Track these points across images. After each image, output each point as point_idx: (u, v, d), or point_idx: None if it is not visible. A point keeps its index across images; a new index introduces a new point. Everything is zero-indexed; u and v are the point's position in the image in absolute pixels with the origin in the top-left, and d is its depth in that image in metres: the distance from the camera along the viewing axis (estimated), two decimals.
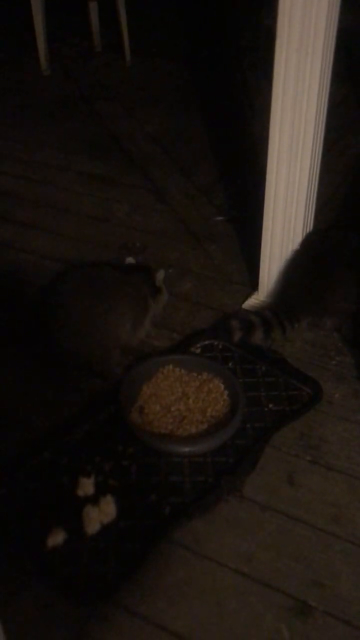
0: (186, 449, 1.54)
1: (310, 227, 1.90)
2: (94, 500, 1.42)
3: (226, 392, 1.68)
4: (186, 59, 3.91)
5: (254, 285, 2.05)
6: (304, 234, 1.87)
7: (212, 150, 2.97)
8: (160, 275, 1.87)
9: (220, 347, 1.87)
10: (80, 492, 1.44)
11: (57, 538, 1.35)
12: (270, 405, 1.68)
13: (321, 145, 1.78)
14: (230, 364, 1.81)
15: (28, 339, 1.79)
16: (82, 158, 2.91)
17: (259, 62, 3.55)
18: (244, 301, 2.04)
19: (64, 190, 2.70)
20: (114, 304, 1.75)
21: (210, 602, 1.29)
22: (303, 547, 1.38)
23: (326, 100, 1.70)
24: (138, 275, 1.86)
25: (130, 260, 1.96)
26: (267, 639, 1.23)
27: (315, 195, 1.86)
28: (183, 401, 1.66)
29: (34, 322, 1.77)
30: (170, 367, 1.75)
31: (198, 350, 1.86)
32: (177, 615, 1.27)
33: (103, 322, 1.73)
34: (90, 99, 3.45)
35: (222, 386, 1.69)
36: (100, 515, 1.39)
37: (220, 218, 2.48)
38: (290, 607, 1.27)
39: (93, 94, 3.51)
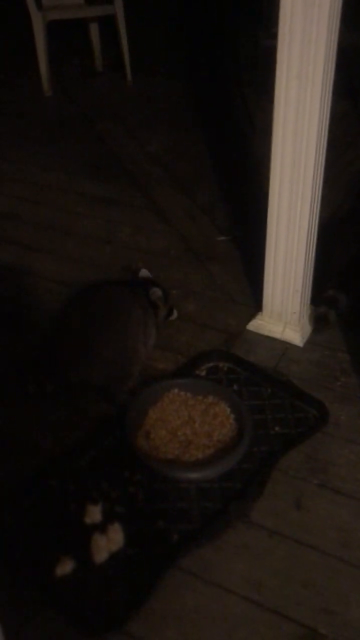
0: (194, 475, 1.53)
1: (313, 245, 1.90)
2: (102, 528, 1.41)
3: (232, 416, 1.67)
4: (186, 78, 3.96)
5: (257, 305, 2.05)
6: (306, 254, 1.88)
7: (213, 169, 3.00)
8: (154, 291, 1.87)
9: (225, 369, 1.87)
10: (88, 520, 1.44)
11: (65, 567, 1.35)
12: (277, 428, 1.68)
13: (323, 164, 1.78)
14: (235, 386, 1.81)
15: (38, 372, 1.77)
16: (84, 179, 2.94)
17: (258, 80, 3.60)
18: (248, 322, 2.04)
19: (66, 211, 2.72)
20: (128, 319, 1.77)
21: (220, 631, 1.28)
22: (312, 573, 1.37)
23: (327, 122, 1.71)
24: (139, 288, 1.88)
25: (144, 272, 2.03)
26: None
27: (317, 214, 1.87)
28: (189, 425, 1.66)
29: (48, 354, 1.76)
30: (176, 390, 1.75)
31: (203, 373, 1.86)
32: None
33: (122, 340, 1.74)
34: (91, 119, 3.49)
35: (228, 409, 1.69)
36: (109, 543, 1.38)
37: (222, 238, 2.49)
38: (301, 636, 1.27)
39: (94, 114, 3.55)
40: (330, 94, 1.67)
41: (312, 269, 1.94)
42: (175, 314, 2.00)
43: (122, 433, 1.62)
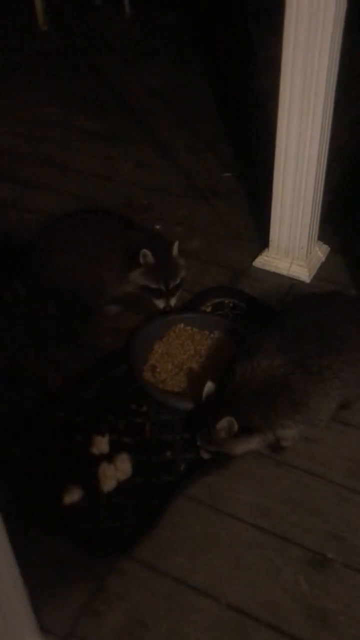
0: None
1: (322, 180, 1.85)
2: (110, 457, 1.41)
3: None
4: (187, 10, 3.79)
5: (263, 242, 2.00)
6: (315, 187, 1.82)
7: (216, 104, 2.89)
8: (144, 253, 1.72)
9: (231, 305, 1.85)
10: (95, 450, 1.44)
11: (73, 495, 1.35)
12: None
13: (334, 94, 1.72)
14: (241, 321, 1.78)
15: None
16: (82, 114, 2.84)
17: (262, 12, 3.44)
18: (254, 258, 2.00)
19: (64, 147, 2.64)
20: (104, 249, 1.78)
21: (228, 556, 1.29)
22: (320, 501, 1.38)
23: (339, 45, 1.63)
24: (134, 236, 1.81)
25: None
26: (286, 591, 1.23)
27: (327, 148, 1.81)
28: (195, 359, 1.65)
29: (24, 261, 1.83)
30: (182, 325, 1.73)
31: (209, 309, 1.84)
32: (195, 570, 1.27)
33: (92, 262, 1.77)
34: (89, 54, 3.35)
35: (235, 344, 1.67)
36: (117, 472, 1.38)
37: (227, 174, 2.42)
38: (309, 560, 1.28)
39: (92, 49, 3.40)
40: (344, 12, 1.59)
41: (320, 203, 1.89)
42: (168, 305, 1.77)
43: (128, 366, 1.60)
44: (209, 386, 1.41)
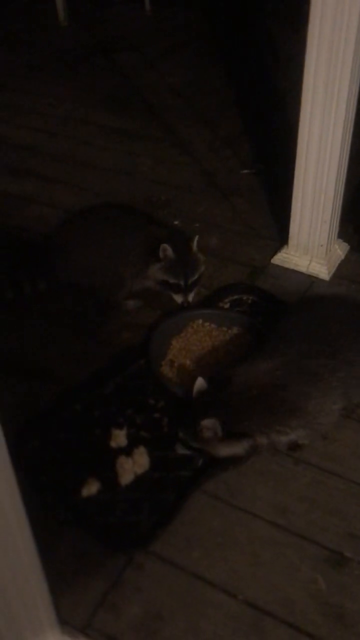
0: None
1: (344, 174, 1.83)
2: (128, 451, 1.42)
3: None
4: (207, 8, 3.78)
5: (282, 240, 2.00)
6: (337, 183, 1.81)
7: (235, 101, 2.89)
8: (164, 247, 1.72)
9: (249, 302, 1.84)
10: (113, 444, 1.44)
11: (91, 488, 1.36)
12: None
13: (358, 88, 1.70)
14: (259, 318, 1.78)
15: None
16: (102, 111, 2.84)
17: (283, 9, 3.43)
18: (273, 256, 2.00)
19: (85, 144, 2.65)
20: (124, 244, 1.78)
21: (245, 553, 1.29)
22: (337, 500, 1.37)
23: None
24: (154, 231, 1.81)
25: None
26: (303, 588, 1.23)
27: (349, 145, 1.80)
28: (213, 355, 1.65)
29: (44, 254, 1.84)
30: (200, 321, 1.73)
31: (227, 305, 1.83)
32: (212, 565, 1.27)
33: (112, 257, 1.77)
34: (109, 50, 3.36)
35: (253, 341, 1.67)
36: (134, 466, 1.39)
37: (246, 171, 2.42)
38: (326, 558, 1.27)
39: (112, 45, 3.41)
40: None
41: (341, 200, 1.88)
42: (187, 300, 1.78)
43: (146, 362, 1.61)
44: (199, 382, 1.39)
